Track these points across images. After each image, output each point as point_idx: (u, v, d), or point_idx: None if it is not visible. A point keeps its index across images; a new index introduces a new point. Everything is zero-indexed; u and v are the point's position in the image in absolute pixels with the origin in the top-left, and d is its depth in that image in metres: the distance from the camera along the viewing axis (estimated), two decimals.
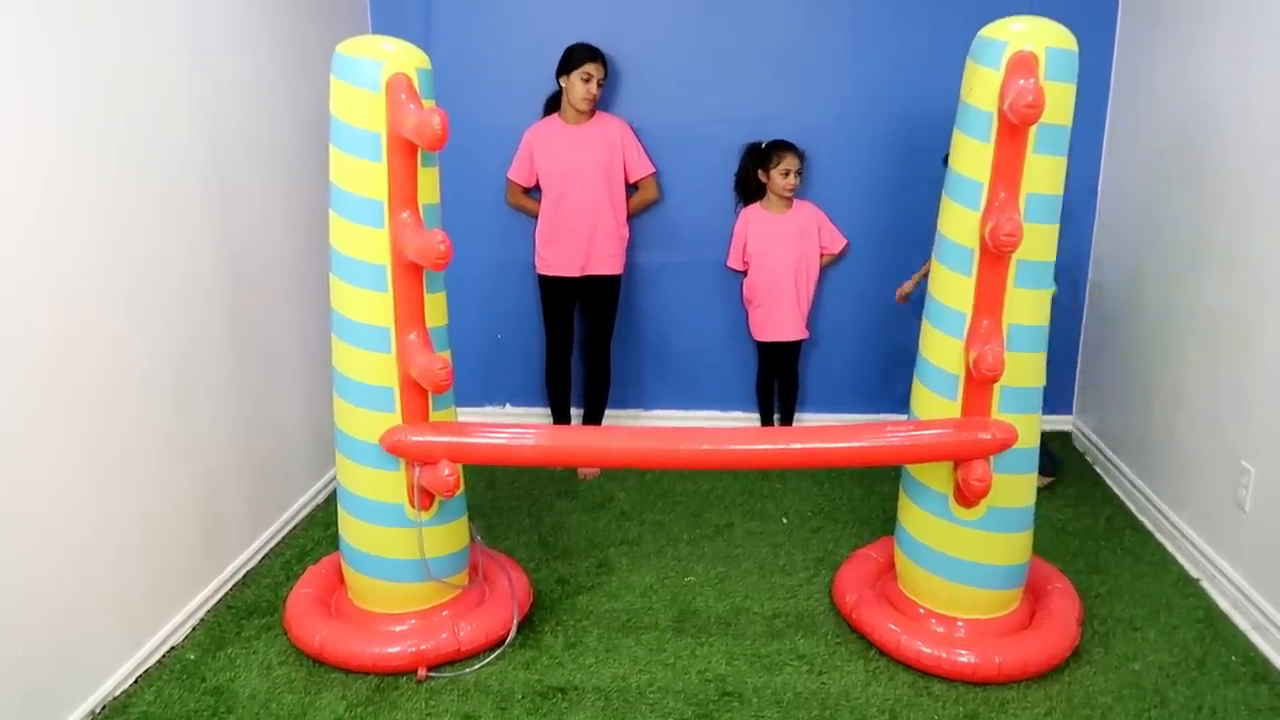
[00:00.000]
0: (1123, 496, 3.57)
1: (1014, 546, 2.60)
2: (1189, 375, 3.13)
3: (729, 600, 2.90)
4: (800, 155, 3.72)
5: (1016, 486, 2.54)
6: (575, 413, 4.03)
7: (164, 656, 2.61)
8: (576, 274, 3.73)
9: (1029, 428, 2.50)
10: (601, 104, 3.78)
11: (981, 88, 2.29)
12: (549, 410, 4.00)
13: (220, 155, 2.88)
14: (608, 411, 4.00)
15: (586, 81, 3.56)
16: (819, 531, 3.34)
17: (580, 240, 3.69)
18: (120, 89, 2.43)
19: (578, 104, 3.61)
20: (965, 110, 2.37)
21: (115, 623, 2.47)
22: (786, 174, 3.70)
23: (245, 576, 3.02)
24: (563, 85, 3.63)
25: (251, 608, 2.85)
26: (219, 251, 2.88)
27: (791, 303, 3.82)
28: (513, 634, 2.66)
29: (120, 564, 2.47)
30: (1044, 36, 2.25)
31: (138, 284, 2.51)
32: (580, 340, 3.90)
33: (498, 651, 2.62)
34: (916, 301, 2.67)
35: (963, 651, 2.50)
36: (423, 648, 2.54)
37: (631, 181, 3.81)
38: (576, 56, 3.58)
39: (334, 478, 3.00)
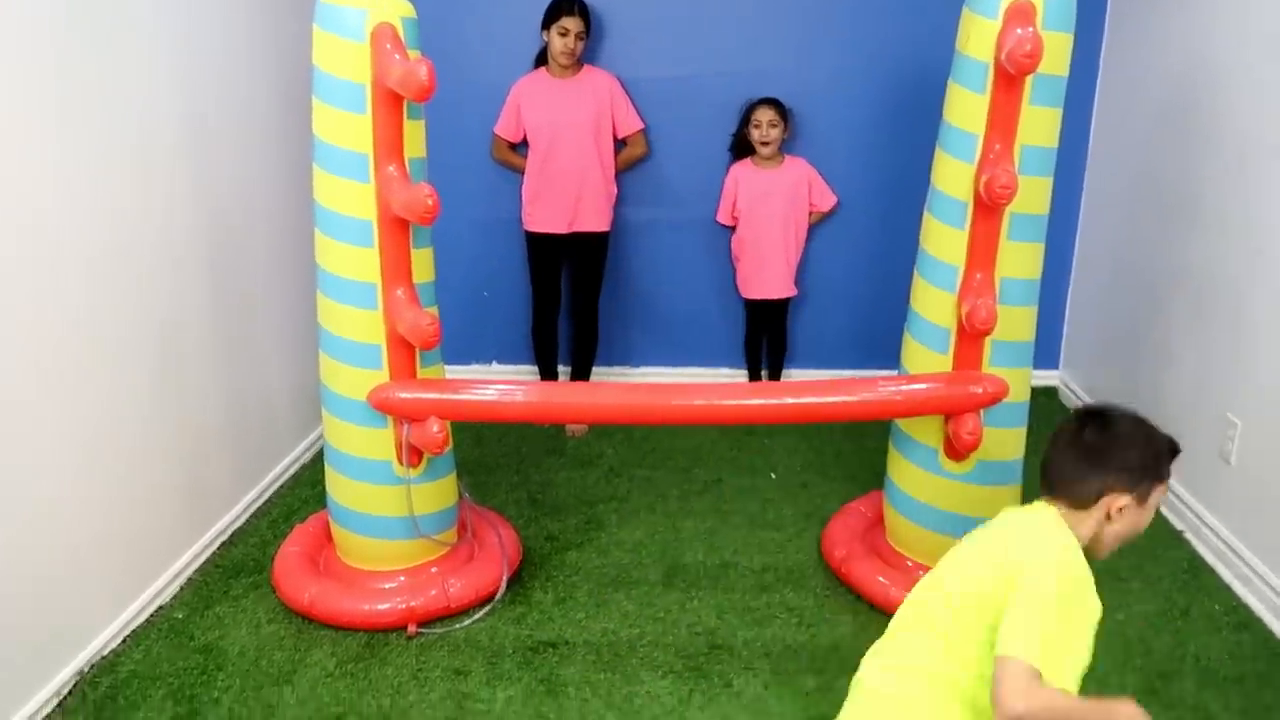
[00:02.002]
0: None
1: (1003, 500, 2.60)
2: (1177, 330, 3.14)
3: (718, 555, 2.91)
4: (779, 109, 3.65)
5: (1005, 440, 2.54)
6: (562, 370, 4.01)
7: (152, 616, 2.60)
8: (564, 231, 3.68)
9: (1019, 381, 2.51)
10: (590, 57, 3.71)
11: (978, 38, 2.26)
12: (536, 368, 3.97)
13: (197, 111, 2.80)
14: (595, 369, 3.98)
15: (564, 36, 3.50)
16: (808, 486, 3.35)
17: (568, 196, 3.64)
18: (95, 46, 2.35)
19: (557, 58, 3.55)
20: (961, 61, 2.34)
21: (102, 583, 2.45)
22: (758, 126, 3.65)
23: (232, 536, 3.00)
24: (545, 39, 3.57)
25: (239, 567, 2.84)
26: (198, 211, 2.81)
27: (780, 259, 3.79)
28: (502, 590, 2.66)
29: (106, 525, 2.45)
30: None
31: (116, 247, 2.45)
32: (568, 297, 3.86)
33: (488, 608, 2.63)
34: (906, 256, 2.65)
35: None
36: (412, 604, 2.54)
37: (620, 137, 3.75)
38: (554, 10, 3.51)
39: (320, 436, 2.98)
